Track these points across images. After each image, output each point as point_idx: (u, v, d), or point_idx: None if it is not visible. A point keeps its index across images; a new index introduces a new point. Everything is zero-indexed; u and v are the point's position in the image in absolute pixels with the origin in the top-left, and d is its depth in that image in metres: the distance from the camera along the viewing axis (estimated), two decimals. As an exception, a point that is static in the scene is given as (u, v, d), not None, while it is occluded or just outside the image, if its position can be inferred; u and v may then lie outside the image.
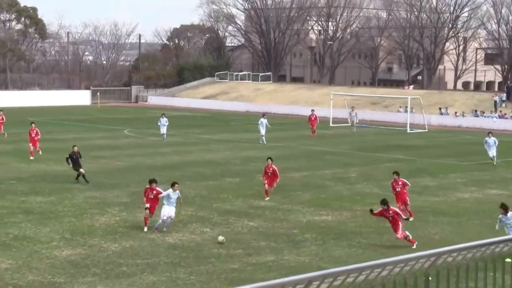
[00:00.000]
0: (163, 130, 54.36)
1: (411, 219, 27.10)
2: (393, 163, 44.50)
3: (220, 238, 23.94)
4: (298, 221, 25.33)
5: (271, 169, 31.43)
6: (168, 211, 25.24)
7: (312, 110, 61.47)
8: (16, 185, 34.30)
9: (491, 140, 44.20)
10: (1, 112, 53.32)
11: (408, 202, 28.03)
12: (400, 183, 28.03)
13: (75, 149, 35.63)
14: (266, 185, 31.26)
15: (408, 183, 28.45)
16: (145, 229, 25.41)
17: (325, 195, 32.63)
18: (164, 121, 54.34)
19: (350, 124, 65.15)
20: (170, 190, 25.57)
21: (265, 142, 52.51)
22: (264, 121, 53.45)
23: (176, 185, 25.75)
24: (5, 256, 21.98)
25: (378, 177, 38.68)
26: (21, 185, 34.42)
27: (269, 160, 31.80)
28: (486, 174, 40.74)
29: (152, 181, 26.22)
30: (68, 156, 35.51)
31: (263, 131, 53.09)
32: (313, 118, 59.39)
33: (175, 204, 25.47)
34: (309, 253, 23.12)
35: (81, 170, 35.03)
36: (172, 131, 61.26)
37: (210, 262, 21.82)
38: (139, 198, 31.36)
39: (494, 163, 43.83)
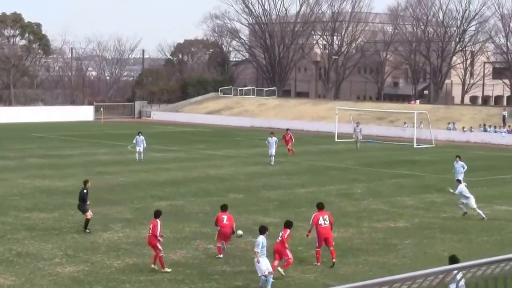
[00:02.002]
0: (139, 149, 51.02)
1: (281, 269, 22.03)
2: (399, 178, 44.14)
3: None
4: (303, 238, 24.94)
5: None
6: (266, 264, 20.81)
7: (287, 130, 59.61)
8: (20, 201, 34.07)
9: (459, 165, 39.17)
10: None
11: (285, 256, 22.14)
12: (280, 235, 22.31)
13: (88, 185, 28.87)
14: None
15: (287, 238, 22.28)
16: (221, 256, 23.89)
17: (330, 212, 32.20)
18: (140, 140, 51.14)
19: (354, 140, 64.65)
20: (262, 238, 21.16)
21: (272, 163, 49.93)
22: (272, 140, 50.97)
23: (267, 232, 21.66)
24: (8, 273, 21.83)
25: (384, 193, 38.32)
26: (25, 201, 34.18)
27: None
28: (495, 190, 40.31)
29: (223, 207, 24.88)
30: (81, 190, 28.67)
31: (270, 150, 50.72)
32: (287, 138, 57.60)
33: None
34: (315, 270, 22.84)
35: (87, 214, 27.93)
36: (176, 147, 61.07)
37: (214, 279, 21.51)
38: (142, 215, 31.14)
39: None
